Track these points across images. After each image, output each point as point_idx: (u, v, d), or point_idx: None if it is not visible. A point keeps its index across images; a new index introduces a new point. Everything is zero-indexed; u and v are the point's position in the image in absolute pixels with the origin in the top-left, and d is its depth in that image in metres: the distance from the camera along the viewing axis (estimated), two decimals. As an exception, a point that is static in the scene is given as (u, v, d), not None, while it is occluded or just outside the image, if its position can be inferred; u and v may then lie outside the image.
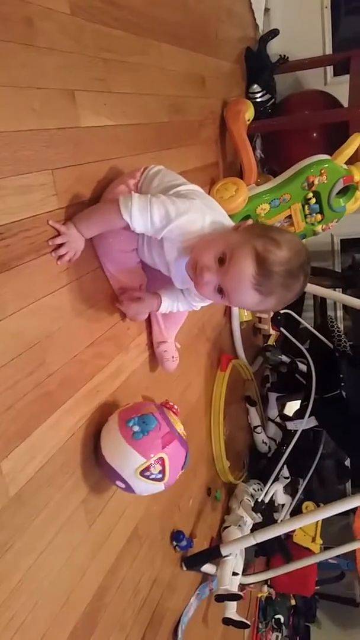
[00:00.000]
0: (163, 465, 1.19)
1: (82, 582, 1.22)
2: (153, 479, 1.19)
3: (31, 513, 1.04)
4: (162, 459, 1.18)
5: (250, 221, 1.08)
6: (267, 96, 2.69)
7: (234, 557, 1.92)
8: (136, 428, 1.18)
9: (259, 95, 2.65)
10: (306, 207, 2.21)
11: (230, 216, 2.16)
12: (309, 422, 2.29)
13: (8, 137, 0.98)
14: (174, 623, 1.73)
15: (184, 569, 1.78)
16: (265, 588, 2.93)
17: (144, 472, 1.17)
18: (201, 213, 1.09)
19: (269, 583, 2.93)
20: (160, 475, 1.19)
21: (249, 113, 2.28)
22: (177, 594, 1.76)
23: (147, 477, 1.18)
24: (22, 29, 1.01)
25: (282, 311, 2.57)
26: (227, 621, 1.93)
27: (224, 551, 1.78)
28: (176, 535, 1.70)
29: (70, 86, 1.17)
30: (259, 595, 2.91)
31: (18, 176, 1.00)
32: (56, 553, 1.12)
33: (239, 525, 2.10)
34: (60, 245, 1.08)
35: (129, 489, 1.21)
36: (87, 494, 1.23)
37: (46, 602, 1.09)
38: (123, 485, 1.20)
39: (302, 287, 1.02)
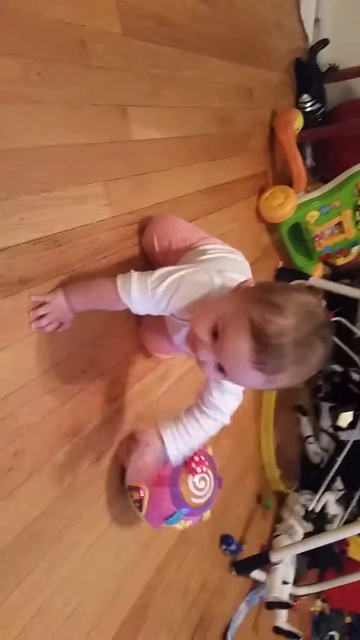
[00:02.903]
0: (141, 498, 1.17)
1: (131, 578, 1.26)
2: (133, 502, 1.19)
3: (83, 506, 1.09)
4: (142, 490, 1.17)
5: (251, 281, 0.90)
6: (317, 105, 2.69)
7: (284, 565, 1.90)
8: None
9: (308, 104, 2.65)
10: (357, 213, 2.20)
11: (281, 224, 2.19)
12: (362, 432, 2.25)
13: (64, 151, 1.05)
14: (223, 628, 1.74)
15: (234, 573, 1.79)
16: (319, 602, 2.86)
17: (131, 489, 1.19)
18: (209, 275, 0.93)
19: (322, 598, 2.86)
20: (138, 504, 1.18)
21: (298, 122, 2.30)
22: (227, 599, 1.77)
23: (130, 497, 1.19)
24: (77, 50, 1.09)
25: (333, 319, 2.55)
26: (278, 630, 1.91)
27: (273, 557, 1.77)
28: (225, 539, 1.71)
29: (122, 102, 1.24)
30: (312, 609, 2.84)
31: (73, 187, 1.08)
32: (106, 547, 1.17)
33: (290, 534, 2.08)
34: (42, 316, 0.99)
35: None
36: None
37: (96, 594, 1.14)
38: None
39: (322, 356, 0.80)
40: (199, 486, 1.20)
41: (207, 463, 1.24)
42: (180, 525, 1.21)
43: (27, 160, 0.97)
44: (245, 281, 0.89)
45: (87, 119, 1.12)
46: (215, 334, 0.83)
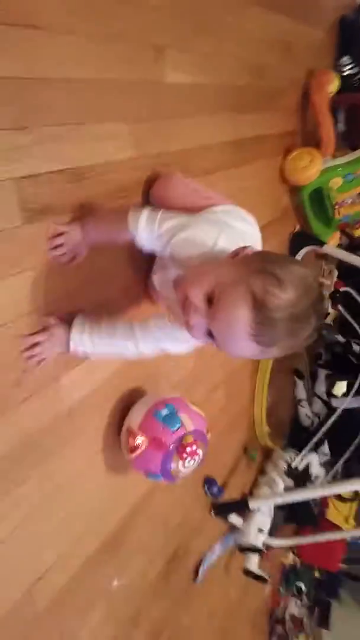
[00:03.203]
0: (136, 446, 1.24)
1: (116, 501, 1.36)
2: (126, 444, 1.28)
3: (78, 430, 1.17)
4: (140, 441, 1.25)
5: (250, 249, 0.88)
6: (356, 69, 2.62)
7: (261, 514, 2.00)
8: (165, 412, 1.28)
9: (348, 67, 2.59)
10: (381, 184, 2.18)
11: (303, 187, 2.18)
12: (353, 402, 2.32)
13: (94, 85, 1.07)
14: (196, 563, 1.86)
15: (213, 514, 1.89)
16: (291, 556, 3.01)
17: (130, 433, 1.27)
18: (217, 230, 0.94)
19: (295, 551, 3.00)
20: (130, 448, 1.25)
21: (334, 85, 2.25)
22: (203, 537, 1.88)
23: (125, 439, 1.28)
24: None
25: (342, 289, 2.57)
26: (247, 572, 2.03)
27: (251, 504, 1.87)
28: (208, 481, 1.81)
29: (160, 42, 1.24)
30: (284, 561, 2.99)
31: (99, 123, 1.10)
32: (96, 470, 1.25)
33: (270, 487, 2.18)
34: (59, 245, 1.03)
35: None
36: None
37: (83, 510, 1.23)
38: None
39: (313, 330, 0.82)
40: (187, 465, 1.29)
41: (198, 444, 1.31)
42: (156, 481, 1.33)
43: (57, 92, 0.99)
44: (244, 247, 0.88)
45: (123, 57, 1.13)
46: (210, 300, 0.82)
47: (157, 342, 1.07)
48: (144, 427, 1.25)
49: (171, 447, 1.25)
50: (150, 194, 1.25)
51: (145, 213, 0.98)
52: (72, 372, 1.13)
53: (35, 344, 1.01)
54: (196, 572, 1.86)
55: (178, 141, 1.37)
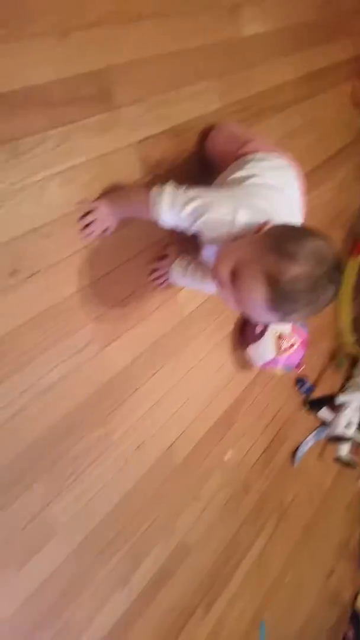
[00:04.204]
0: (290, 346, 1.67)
1: (224, 391, 1.70)
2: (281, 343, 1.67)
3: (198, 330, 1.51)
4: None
5: (270, 223, 0.93)
6: None
7: (350, 410, 2.28)
8: None
9: None
10: None
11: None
12: None
13: (181, 55, 1.31)
14: (292, 448, 2.20)
15: (306, 408, 2.21)
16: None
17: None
18: (236, 207, 0.97)
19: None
20: (284, 345, 1.66)
21: None
22: (297, 427, 2.21)
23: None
24: None
25: None
26: (338, 460, 2.35)
27: (341, 398, 2.16)
28: (300, 380, 2.12)
29: (233, 1, 1.44)
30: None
31: (189, 87, 1.34)
32: (210, 364, 1.59)
33: (358, 388, 2.44)
34: (89, 223, 1.13)
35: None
36: (231, 331, 1.67)
37: (196, 399, 1.58)
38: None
39: (333, 293, 0.87)
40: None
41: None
42: (281, 372, 1.76)
43: (155, 67, 1.24)
44: (265, 223, 0.93)
45: (202, 24, 1.35)
46: (233, 276, 0.90)
47: None
48: (294, 331, 1.67)
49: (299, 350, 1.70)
50: (205, 145, 1.40)
51: (167, 196, 1.02)
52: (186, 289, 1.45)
53: (157, 270, 1.33)
54: (293, 457, 2.20)
55: (257, 85, 1.58)
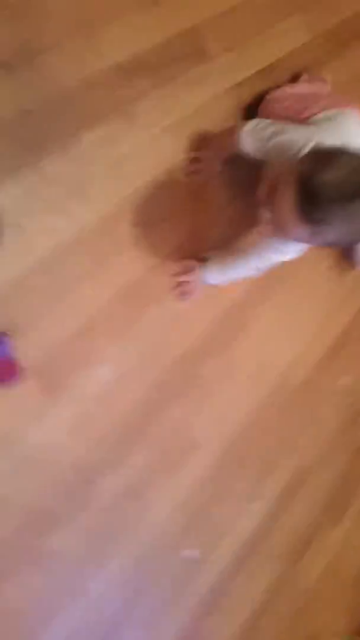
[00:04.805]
0: None
1: (329, 323, 1.75)
2: None
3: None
4: None
5: (313, 143, 0.93)
6: None
7: None
8: None
9: None
10: None
11: None
12: None
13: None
14: None
15: None
16: None
17: None
18: (308, 137, 0.97)
19: None
20: None
21: None
22: None
23: None
24: None
25: None
26: None
27: None
28: None
29: None
30: None
31: (277, 24, 1.40)
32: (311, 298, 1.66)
33: None
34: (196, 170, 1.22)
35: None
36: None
37: (299, 332, 1.64)
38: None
39: None
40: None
41: None
42: None
43: (242, 13, 1.31)
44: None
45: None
46: (272, 190, 0.89)
47: (267, 260, 1.18)
48: None
49: None
50: (258, 111, 1.33)
51: (253, 121, 1.09)
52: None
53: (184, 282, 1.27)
54: None
55: (345, 11, 1.57)
